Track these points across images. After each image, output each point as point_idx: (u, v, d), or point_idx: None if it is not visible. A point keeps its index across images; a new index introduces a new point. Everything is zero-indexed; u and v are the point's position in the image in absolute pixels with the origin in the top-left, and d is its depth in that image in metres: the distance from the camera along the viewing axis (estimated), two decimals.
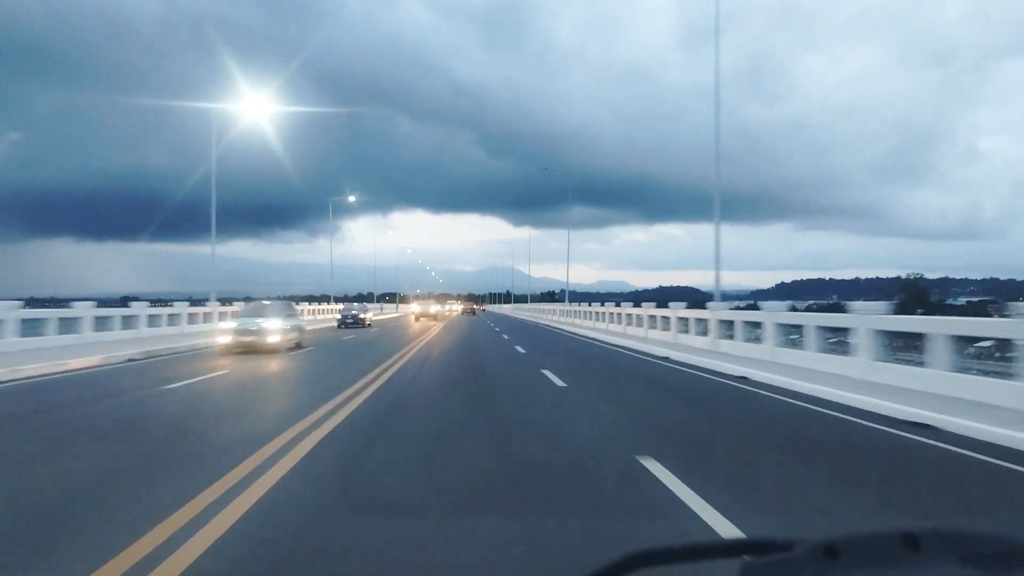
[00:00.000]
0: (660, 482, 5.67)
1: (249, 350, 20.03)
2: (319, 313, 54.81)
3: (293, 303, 33.28)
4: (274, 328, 20.92)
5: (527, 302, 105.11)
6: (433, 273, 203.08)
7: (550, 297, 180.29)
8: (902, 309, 33.60)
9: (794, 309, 24.44)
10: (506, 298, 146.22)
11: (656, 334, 25.29)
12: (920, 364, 11.40)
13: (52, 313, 21.66)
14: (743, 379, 13.77)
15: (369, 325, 41.50)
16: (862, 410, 9.79)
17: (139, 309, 26.46)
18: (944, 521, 4.45)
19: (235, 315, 23.93)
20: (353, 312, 42.55)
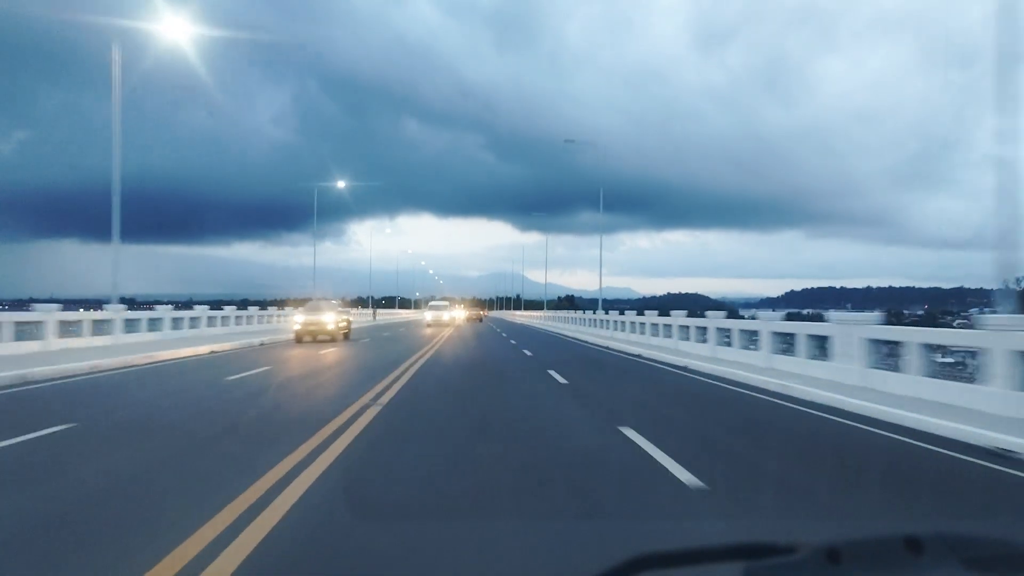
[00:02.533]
0: None
1: None
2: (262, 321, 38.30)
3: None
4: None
5: (539, 308, 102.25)
6: (432, 273, 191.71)
7: (569, 302, 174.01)
8: None
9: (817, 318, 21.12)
10: (519, 304, 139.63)
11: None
12: None
13: None
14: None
15: None
16: None
17: None
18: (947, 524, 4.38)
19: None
20: None
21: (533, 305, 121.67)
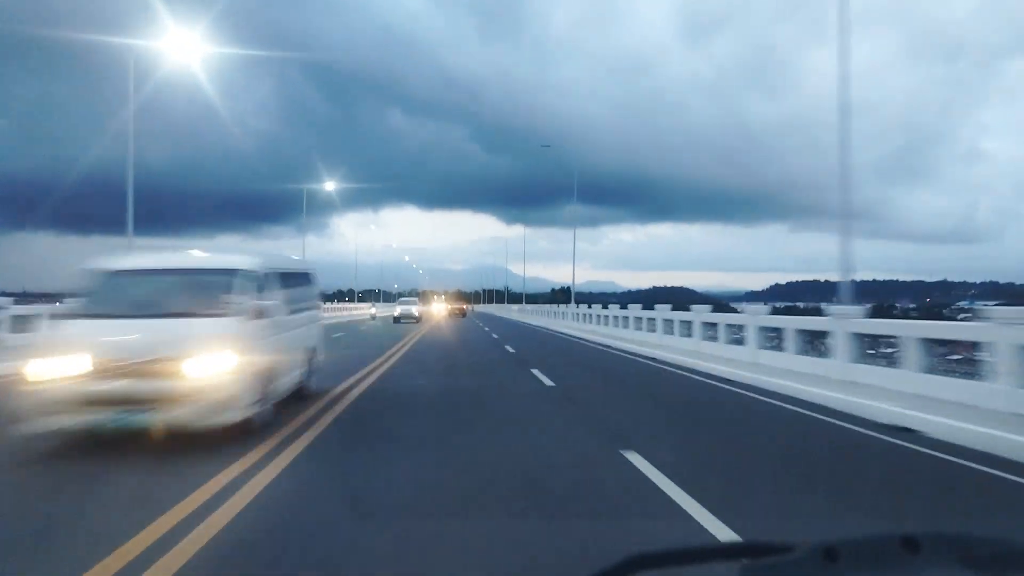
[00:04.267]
0: None
1: None
2: None
3: None
4: None
5: (524, 302, 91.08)
6: (407, 259, 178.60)
7: (564, 295, 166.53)
8: None
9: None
10: (517, 297, 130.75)
11: None
12: None
13: None
14: None
15: None
16: None
17: None
18: (944, 524, 4.39)
19: None
20: None
21: (534, 299, 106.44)
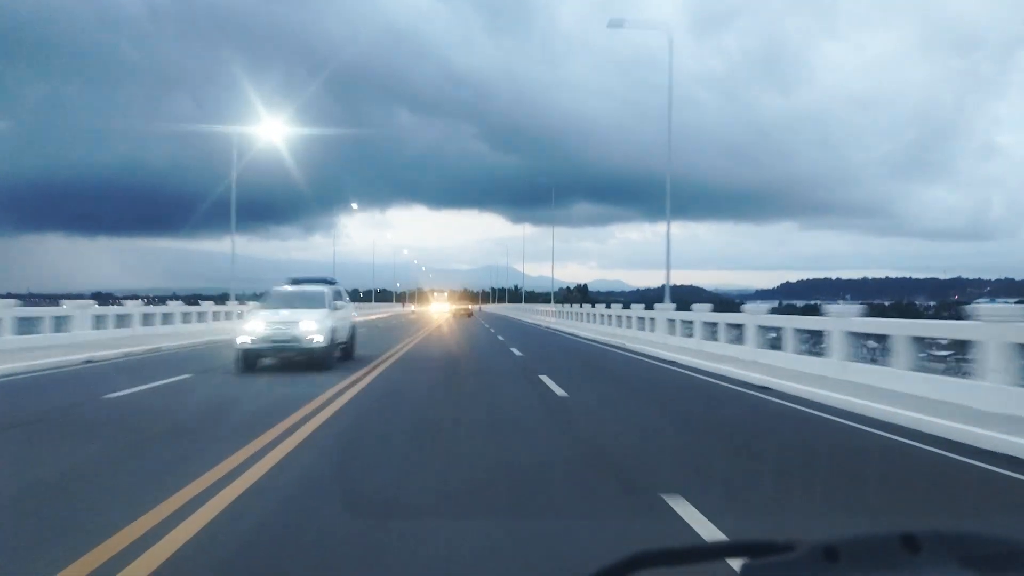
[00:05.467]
0: None
1: None
2: None
3: None
4: None
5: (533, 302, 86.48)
6: (414, 261, 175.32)
7: (581, 294, 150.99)
8: None
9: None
10: (529, 296, 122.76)
11: None
12: None
13: None
14: None
15: None
16: None
17: None
18: (944, 523, 4.39)
19: None
20: None
21: (546, 298, 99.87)
